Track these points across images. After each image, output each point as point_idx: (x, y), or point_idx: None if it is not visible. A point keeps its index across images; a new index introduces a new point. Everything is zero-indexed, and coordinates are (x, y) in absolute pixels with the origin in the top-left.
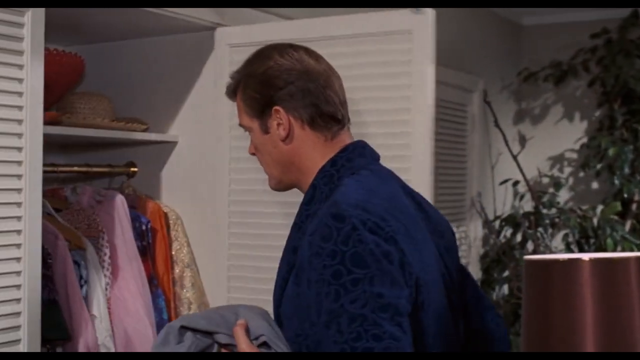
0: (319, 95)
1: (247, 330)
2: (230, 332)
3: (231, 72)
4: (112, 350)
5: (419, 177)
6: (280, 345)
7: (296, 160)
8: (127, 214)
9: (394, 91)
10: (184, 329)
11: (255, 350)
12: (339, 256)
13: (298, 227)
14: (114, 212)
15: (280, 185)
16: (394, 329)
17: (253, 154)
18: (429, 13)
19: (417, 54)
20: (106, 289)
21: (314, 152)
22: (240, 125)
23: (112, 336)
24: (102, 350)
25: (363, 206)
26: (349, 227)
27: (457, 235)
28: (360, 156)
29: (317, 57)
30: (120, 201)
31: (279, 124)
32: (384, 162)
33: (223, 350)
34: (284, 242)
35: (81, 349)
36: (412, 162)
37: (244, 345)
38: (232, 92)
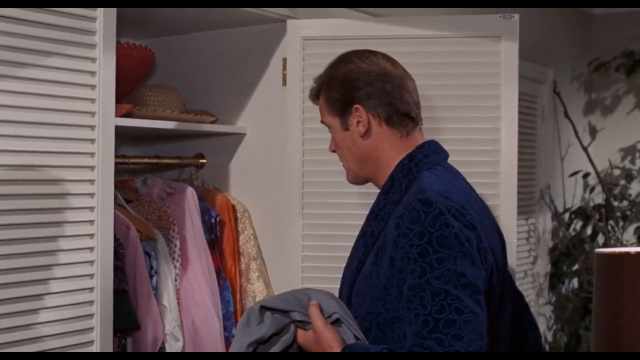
0: (395, 95)
1: (320, 309)
2: (303, 310)
3: (303, 66)
4: (180, 340)
5: (507, 170)
6: (350, 323)
7: (373, 155)
8: (197, 207)
9: (484, 90)
10: (263, 309)
11: (329, 327)
12: (426, 236)
13: (376, 215)
14: (184, 204)
15: (358, 179)
16: (474, 305)
17: (334, 151)
18: (517, 18)
19: (505, 56)
20: (175, 280)
21: (391, 148)
22: (322, 122)
23: (180, 326)
24: (170, 340)
25: (446, 195)
26: (436, 212)
27: (526, 228)
28: (435, 153)
29: (393, 62)
30: (190, 194)
31: (358, 122)
32: (473, 153)
33: (299, 328)
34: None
35: (149, 338)
36: (501, 156)
37: (320, 323)
38: (316, 95)
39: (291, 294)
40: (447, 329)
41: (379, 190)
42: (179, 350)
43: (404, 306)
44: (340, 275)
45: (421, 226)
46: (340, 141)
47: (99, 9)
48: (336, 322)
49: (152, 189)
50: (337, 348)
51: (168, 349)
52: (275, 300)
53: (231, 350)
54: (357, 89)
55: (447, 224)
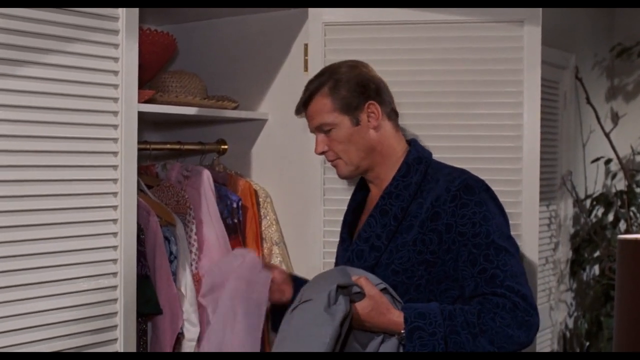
0: (389, 95)
1: None
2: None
3: (325, 51)
4: (197, 325)
5: (529, 156)
6: (392, 291)
7: (379, 147)
8: (212, 189)
9: (506, 75)
10: (339, 288)
11: (381, 294)
12: (484, 205)
13: (396, 195)
14: (200, 187)
15: (356, 172)
16: (519, 259)
17: (322, 152)
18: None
19: (528, 41)
20: (191, 265)
21: (392, 139)
22: (321, 125)
23: (196, 312)
24: (188, 325)
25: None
26: (484, 187)
27: (547, 214)
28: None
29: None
30: (206, 177)
31: (369, 116)
32: (495, 139)
33: (353, 303)
34: None
35: (168, 323)
36: (524, 142)
37: (374, 291)
38: (308, 98)
39: (336, 270)
40: (514, 278)
41: None
42: (196, 335)
43: (467, 264)
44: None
45: (478, 197)
46: (347, 136)
47: None
48: (384, 290)
49: (171, 173)
50: (394, 309)
51: (186, 335)
52: (341, 277)
53: (321, 326)
54: (370, 87)
55: (494, 197)
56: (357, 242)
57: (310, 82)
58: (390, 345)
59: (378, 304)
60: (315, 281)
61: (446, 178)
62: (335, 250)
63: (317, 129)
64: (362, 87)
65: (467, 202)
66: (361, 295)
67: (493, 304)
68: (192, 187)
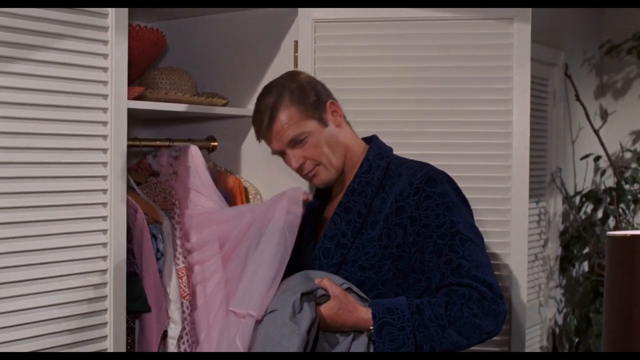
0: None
1: None
2: (318, 286)
3: (315, 48)
4: (179, 323)
5: (518, 153)
6: (357, 289)
7: (346, 143)
8: (202, 161)
9: (496, 72)
10: (303, 296)
11: (346, 293)
12: (447, 197)
13: (360, 192)
14: (190, 162)
15: (336, 174)
16: (484, 248)
17: (302, 164)
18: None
19: (517, 38)
20: (178, 258)
21: (353, 136)
22: (295, 136)
23: (179, 309)
24: (171, 324)
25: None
26: (447, 178)
27: (537, 211)
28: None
29: None
30: (193, 151)
31: (333, 115)
32: (485, 136)
33: (319, 306)
34: None
35: (154, 321)
36: (513, 139)
37: (338, 291)
38: (273, 116)
39: (298, 276)
40: (480, 268)
41: None
42: (177, 333)
43: (433, 255)
44: None
45: (441, 188)
46: (323, 140)
47: None
48: (349, 289)
49: (161, 159)
50: (360, 307)
51: (169, 332)
52: (306, 282)
53: (288, 337)
54: (320, 90)
55: (457, 189)
56: (323, 241)
57: (262, 101)
58: (360, 342)
59: (344, 303)
60: (280, 291)
61: (408, 172)
62: None
63: (288, 144)
64: (315, 90)
65: (430, 194)
66: (327, 297)
67: (460, 295)
68: (183, 165)
